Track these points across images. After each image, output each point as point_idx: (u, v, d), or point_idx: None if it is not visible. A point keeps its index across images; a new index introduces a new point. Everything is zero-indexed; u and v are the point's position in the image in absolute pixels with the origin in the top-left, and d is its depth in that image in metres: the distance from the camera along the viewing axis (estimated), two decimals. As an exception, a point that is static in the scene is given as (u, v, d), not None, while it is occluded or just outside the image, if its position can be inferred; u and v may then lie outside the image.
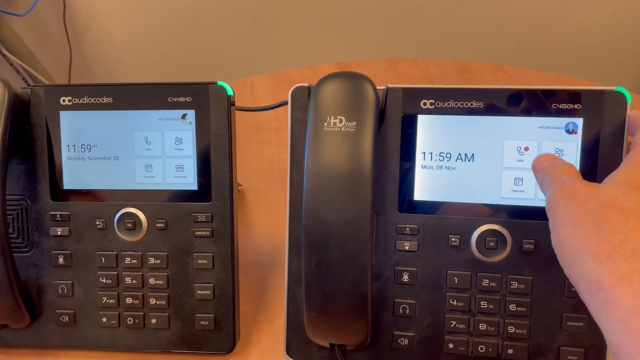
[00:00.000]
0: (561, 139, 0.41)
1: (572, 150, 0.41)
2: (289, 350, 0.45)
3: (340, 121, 0.39)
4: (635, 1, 1.34)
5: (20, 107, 0.45)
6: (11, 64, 1.28)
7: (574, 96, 0.41)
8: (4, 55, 1.26)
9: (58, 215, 0.47)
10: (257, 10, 1.43)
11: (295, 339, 0.45)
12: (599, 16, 1.36)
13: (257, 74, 0.82)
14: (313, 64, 0.83)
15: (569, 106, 0.41)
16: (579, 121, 0.41)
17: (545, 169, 0.36)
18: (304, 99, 0.44)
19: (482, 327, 0.42)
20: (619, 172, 0.33)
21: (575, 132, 0.41)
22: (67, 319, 0.47)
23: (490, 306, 0.42)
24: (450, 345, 0.43)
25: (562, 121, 0.41)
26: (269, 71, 0.83)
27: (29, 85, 0.50)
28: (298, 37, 1.48)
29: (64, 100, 0.46)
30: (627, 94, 0.40)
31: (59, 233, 0.47)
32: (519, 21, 1.39)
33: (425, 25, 1.43)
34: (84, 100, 0.46)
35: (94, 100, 0.46)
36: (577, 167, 0.41)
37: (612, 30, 1.38)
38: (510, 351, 0.42)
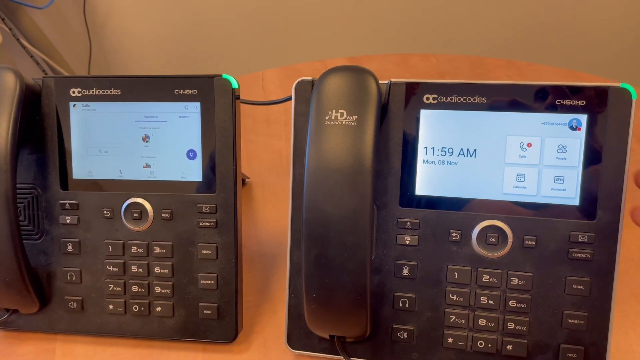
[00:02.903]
0: (565, 135, 0.41)
1: (575, 147, 0.40)
2: (289, 340, 0.46)
3: (342, 115, 0.40)
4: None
5: (31, 98, 0.47)
6: (31, 56, 1.30)
7: (578, 92, 0.40)
8: (24, 47, 1.29)
9: (67, 204, 0.48)
10: (271, 5, 1.43)
11: (296, 330, 0.45)
12: (616, 12, 1.33)
13: (270, 67, 0.83)
14: (325, 58, 0.83)
15: (573, 102, 0.40)
16: (583, 118, 0.40)
17: None
18: (307, 92, 0.44)
19: (482, 322, 0.42)
20: None
21: (579, 129, 0.40)
22: (75, 305, 0.49)
23: (490, 302, 0.42)
24: (450, 340, 0.43)
25: (566, 117, 0.40)
26: (282, 65, 0.83)
27: (46, 75, 0.51)
28: (311, 31, 1.48)
29: (73, 92, 0.47)
30: (633, 90, 0.39)
31: (67, 221, 0.48)
32: (533, 17, 1.37)
33: (438, 21, 1.42)
34: (92, 92, 0.47)
35: (103, 92, 0.47)
36: (581, 164, 0.40)
37: (630, 26, 1.35)
38: (509, 347, 0.42)
